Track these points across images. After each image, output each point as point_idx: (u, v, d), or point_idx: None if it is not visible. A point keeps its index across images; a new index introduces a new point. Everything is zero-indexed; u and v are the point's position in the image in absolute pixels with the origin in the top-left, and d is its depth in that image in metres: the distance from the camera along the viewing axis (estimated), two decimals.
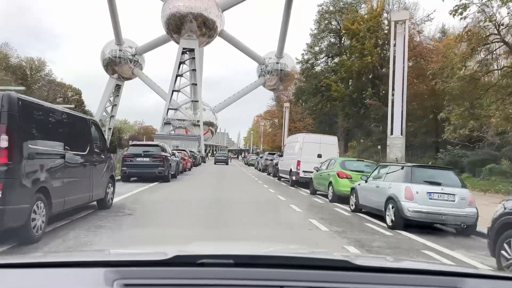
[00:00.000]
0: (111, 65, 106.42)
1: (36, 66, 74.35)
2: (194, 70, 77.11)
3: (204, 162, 46.54)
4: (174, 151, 22.71)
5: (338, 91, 30.09)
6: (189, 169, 28.51)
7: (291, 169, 19.87)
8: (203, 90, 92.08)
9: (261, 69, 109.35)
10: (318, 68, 41.07)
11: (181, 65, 78.66)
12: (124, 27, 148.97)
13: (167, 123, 75.37)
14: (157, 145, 19.64)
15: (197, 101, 77.02)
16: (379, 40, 29.24)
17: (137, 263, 1.45)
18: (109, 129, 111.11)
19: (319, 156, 17.98)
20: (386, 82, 27.70)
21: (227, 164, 45.46)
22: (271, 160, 27.87)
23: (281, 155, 25.10)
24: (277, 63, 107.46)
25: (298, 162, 18.70)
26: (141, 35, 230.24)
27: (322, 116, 42.80)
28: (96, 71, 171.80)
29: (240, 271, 1.36)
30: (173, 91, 76.07)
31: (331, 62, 40.84)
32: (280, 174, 23.33)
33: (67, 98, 75.66)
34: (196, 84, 77.08)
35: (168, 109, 76.17)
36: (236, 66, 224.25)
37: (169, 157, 20.32)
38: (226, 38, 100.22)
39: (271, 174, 27.12)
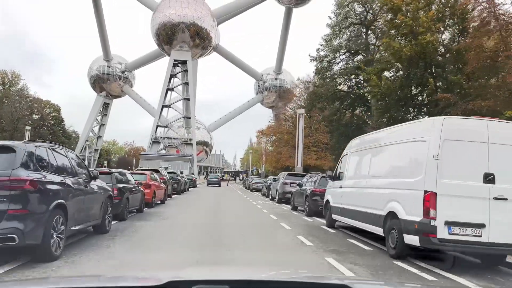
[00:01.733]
0: (99, 82, 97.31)
1: (9, 80, 64.95)
2: (187, 83, 67.97)
3: (195, 186, 37.00)
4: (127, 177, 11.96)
5: (381, 86, 20.73)
6: (162, 201, 17.44)
7: (391, 215, 7.38)
8: (197, 109, 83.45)
9: (258, 85, 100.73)
10: (336, 68, 32.22)
11: (172, 78, 69.49)
12: (113, 43, 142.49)
13: (155, 141, 65.63)
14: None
15: (190, 118, 67.54)
16: (439, 14, 20.32)
17: None
18: (96, 150, 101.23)
19: (489, 178, 6.43)
20: (451, 70, 18.47)
21: (219, 185, 45.84)
22: (299, 186, 16.30)
23: (334, 177, 11.42)
24: (276, 79, 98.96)
25: (430, 197, 6.34)
26: (131, 51, 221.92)
27: (343, 128, 33.61)
28: (91, 93, 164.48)
29: None
30: (163, 106, 66.61)
31: (351, 61, 31.93)
32: (342, 219, 10.50)
33: (44, 115, 66.12)
34: (188, 99, 67.80)
35: (157, 126, 66.50)
36: (232, 85, 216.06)
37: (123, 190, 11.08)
38: (221, 53, 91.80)
39: (302, 211, 15.53)
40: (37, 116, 65.31)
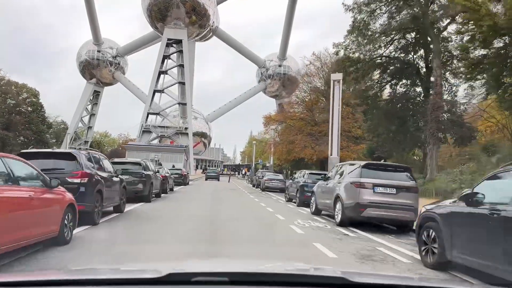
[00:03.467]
0: (88, 68, 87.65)
1: None
2: (182, 66, 58.51)
3: (186, 183, 27.15)
4: None
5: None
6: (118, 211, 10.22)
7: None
8: (194, 102, 73.90)
9: (261, 73, 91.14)
10: (379, 23, 22.98)
11: (166, 60, 60.02)
12: (104, 25, 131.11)
13: (146, 130, 56.20)
14: None
15: (186, 104, 58.11)
16: None
17: (131, 281, 1.38)
18: (86, 142, 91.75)
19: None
20: None
21: (218, 180, 44.05)
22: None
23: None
24: (280, 66, 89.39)
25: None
26: (123, 35, 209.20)
27: (385, 106, 24.37)
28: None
29: None
30: (154, 91, 57.17)
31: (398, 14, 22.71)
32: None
33: (20, 101, 56.59)
34: (184, 84, 58.35)
35: (148, 113, 57.06)
36: (234, 77, 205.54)
37: None
38: (221, 37, 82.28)
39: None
40: (12, 102, 55.99)
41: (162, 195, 16.21)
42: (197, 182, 37.94)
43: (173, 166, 31.95)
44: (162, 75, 58.75)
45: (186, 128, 57.27)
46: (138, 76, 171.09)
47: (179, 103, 57.83)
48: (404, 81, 26.25)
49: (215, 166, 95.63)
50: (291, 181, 16.96)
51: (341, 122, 34.16)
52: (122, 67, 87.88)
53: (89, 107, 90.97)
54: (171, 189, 19.72)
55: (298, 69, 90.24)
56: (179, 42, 59.62)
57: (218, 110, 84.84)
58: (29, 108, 58.52)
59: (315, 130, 37.12)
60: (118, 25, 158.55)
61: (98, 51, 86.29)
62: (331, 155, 18.73)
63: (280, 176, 24.76)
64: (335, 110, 18.93)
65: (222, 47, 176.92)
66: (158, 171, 15.70)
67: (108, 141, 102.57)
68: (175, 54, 60.59)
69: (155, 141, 57.06)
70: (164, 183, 16.39)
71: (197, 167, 75.99)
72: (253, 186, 32.02)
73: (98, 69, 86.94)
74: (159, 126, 57.47)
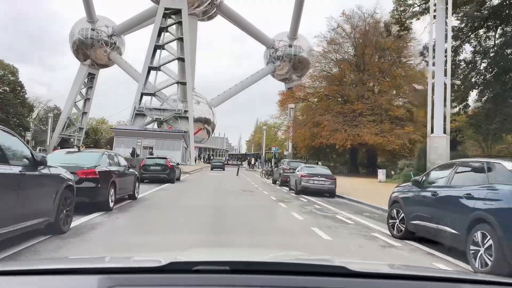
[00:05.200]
0: (82, 48, 78.65)
1: None
2: (182, 39, 49.47)
3: (172, 181, 17.78)
4: None
5: None
6: None
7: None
8: (198, 89, 65.25)
9: (269, 54, 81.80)
10: None
11: (163, 32, 50.97)
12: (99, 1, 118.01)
13: (139, 113, 47.42)
14: None
15: (185, 83, 49.17)
16: None
17: (132, 270, 1.36)
18: (81, 128, 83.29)
19: None
20: None
21: (223, 169, 40.95)
22: None
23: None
24: (290, 46, 79.92)
25: None
26: (120, 12, 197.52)
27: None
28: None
29: (236, 278, 1.26)
30: (149, 68, 48.24)
31: None
32: None
33: None
34: (183, 60, 49.36)
35: (142, 94, 48.21)
36: (241, 63, 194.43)
37: None
38: (226, 13, 73.02)
39: None
40: None
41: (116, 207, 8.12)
42: (195, 175, 28.97)
43: (151, 153, 23.15)
44: (158, 50, 49.66)
45: (186, 112, 48.38)
46: (136, 58, 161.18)
47: (177, 82, 48.84)
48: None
49: (220, 156, 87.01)
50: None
51: (379, 98, 24.88)
52: (118, 47, 79.07)
53: (84, 91, 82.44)
54: (136, 195, 11.06)
55: (310, 48, 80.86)
56: (177, 12, 50.52)
57: (223, 94, 75.93)
58: (7, 89, 49.91)
59: (347, 109, 28.19)
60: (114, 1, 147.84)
61: (92, 30, 77.46)
62: (431, 133, 9.79)
63: (327, 170, 15.61)
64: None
65: (229, 36, 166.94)
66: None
67: (106, 129, 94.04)
68: (174, 27, 51.39)
69: (150, 126, 48.30)
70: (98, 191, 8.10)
71: (199, 156, 67.28)
72: (274, 182, 22.98)
73: (93, 50, 78.16)
74: (154, 109, 48.50)
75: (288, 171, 19.06)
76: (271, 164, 35.19)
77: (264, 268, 1.36)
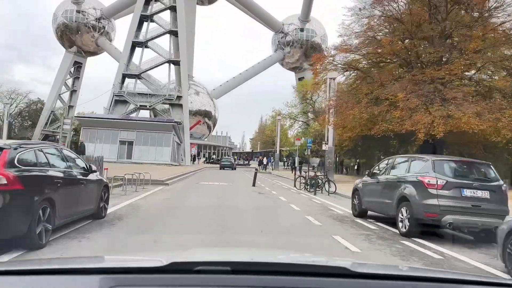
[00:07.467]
0: (66, 33, 67.83)
1: None
2: (174, 9, 38.40)
3: (100, 217, 7.28)
4: None
5: None
6: None
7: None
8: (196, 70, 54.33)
9: (278, 39, 70.76)
10: None
11: (151, 1, 39.86)
12: None
13: (119, 99, 36.37)
14: None
15: (179, 63, 38.03)
16: None
17: (133, 270, 1.35)
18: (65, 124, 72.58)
19: None
20: None
21: (233, 169, 35.75)
22: None
23: None
24: (302, 30, 68.76)
25: None
26: None
27: None
28: (103, 76, 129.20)
29: (237, 278, 1.24)
30: (133, 43, 37.15)
31: None
32: None
33: None
34: (177, 34, 38.26)
35: (124, 75, 37.14)
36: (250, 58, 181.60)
37: None
38: None
39: None
40: None
41: None
42: (179, 187, 16.90)
43: (80, 147, 13.15)
44: (145, 22, 38.59)
45: (179, 98, 37.22)
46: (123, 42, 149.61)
47: (169, 61, 37.70)
48: None
49: (224, 154, 76.02)
50: None
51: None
52: (108, 32, 68.35)
53: (70, 81, 71.60)
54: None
55: (323, 33, 69.24)
56: None
57: (226, 84, 64.91)
58: None
59: (429, 75, 16.90)
60: None
61: (78, 12, 66.77)
62: None
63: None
64: None
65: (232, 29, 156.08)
66: None
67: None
68: None
69: (134, 115, 37.21)
70: None
71: (198, 155, 56.12)
72: (354, 209, 11.08)
73: (79, 35, 67.49)
74: (139, 94, 37.35)
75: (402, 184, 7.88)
76: (301, 166, 24.04)
77: (265, 269, 1.33)
